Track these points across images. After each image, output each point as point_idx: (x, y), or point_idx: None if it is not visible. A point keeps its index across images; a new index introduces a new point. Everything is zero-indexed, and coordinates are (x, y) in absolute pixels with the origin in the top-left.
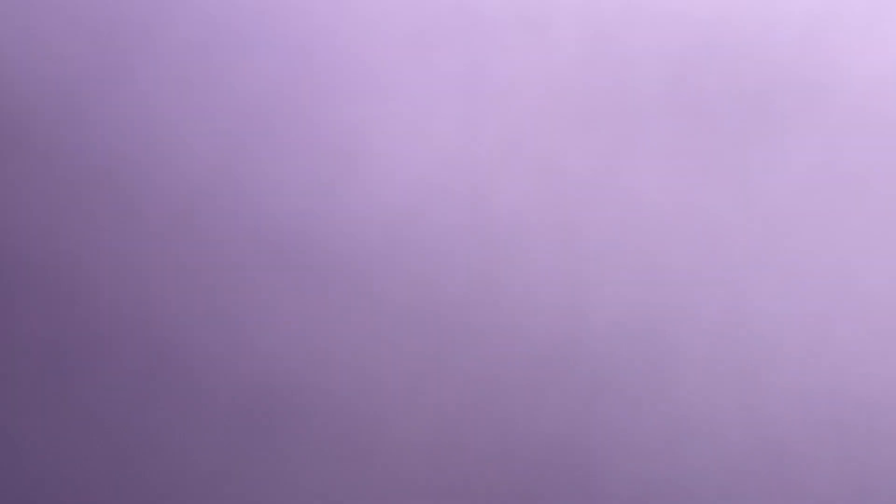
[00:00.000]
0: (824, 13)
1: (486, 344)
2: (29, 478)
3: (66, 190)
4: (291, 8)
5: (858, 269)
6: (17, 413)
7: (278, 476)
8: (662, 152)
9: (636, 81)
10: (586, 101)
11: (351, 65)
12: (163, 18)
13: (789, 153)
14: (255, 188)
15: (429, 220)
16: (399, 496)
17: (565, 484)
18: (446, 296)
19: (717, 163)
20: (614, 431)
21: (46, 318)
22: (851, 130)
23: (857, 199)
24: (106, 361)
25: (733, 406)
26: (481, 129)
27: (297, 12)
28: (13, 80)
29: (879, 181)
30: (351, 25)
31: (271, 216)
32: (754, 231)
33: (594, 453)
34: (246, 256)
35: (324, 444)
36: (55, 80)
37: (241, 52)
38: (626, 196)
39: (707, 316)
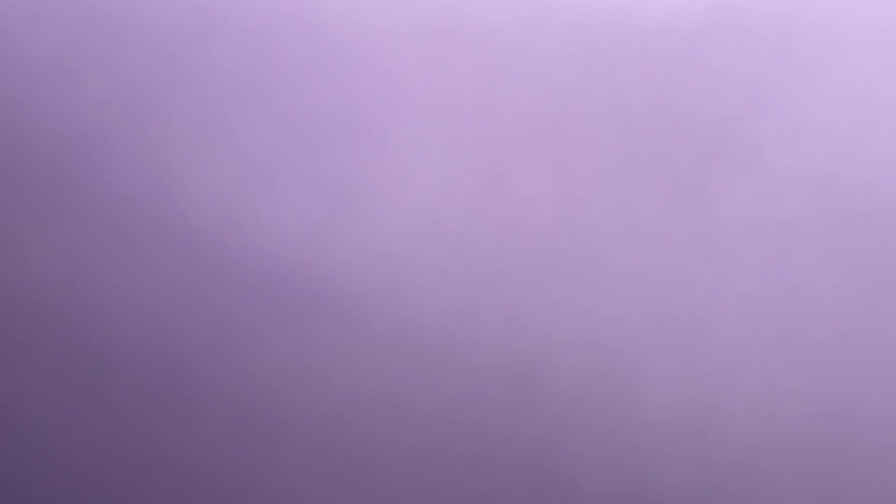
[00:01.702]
0: (772, 63)
1: (472, 366)
2: (27, 492)
3: (79, 225)
4: (291, 60)
5: (814, 296)
6: (15, 427)
7: (270, 494)
8: (627, 191)
9: (601, 128)
10: (558, 146)
11: (342, 117)
12: (170, 73)
13: (744, 191)
14: (256, 227)
15: (417, 255)
16: None
17: (547, 497)
18: (433, 324)
19: (677, 201)
20: (593, 447)
21: (53, 345)
22: (799, 172)
23: (808, 228)
24: (108, 386)
25: (705, 422)
26: (463, 176)
27: (297, 63)
28: (42, 124)
29: (825, 218)
30: (346, 72)
31: (271, 252)
32: (714, 258)
33: (580, 470)
34: (246, 288)
35: (315, 461)
36: (83, 128)
37: (241, 106)
38: (594, 232)
39: (677, 338)
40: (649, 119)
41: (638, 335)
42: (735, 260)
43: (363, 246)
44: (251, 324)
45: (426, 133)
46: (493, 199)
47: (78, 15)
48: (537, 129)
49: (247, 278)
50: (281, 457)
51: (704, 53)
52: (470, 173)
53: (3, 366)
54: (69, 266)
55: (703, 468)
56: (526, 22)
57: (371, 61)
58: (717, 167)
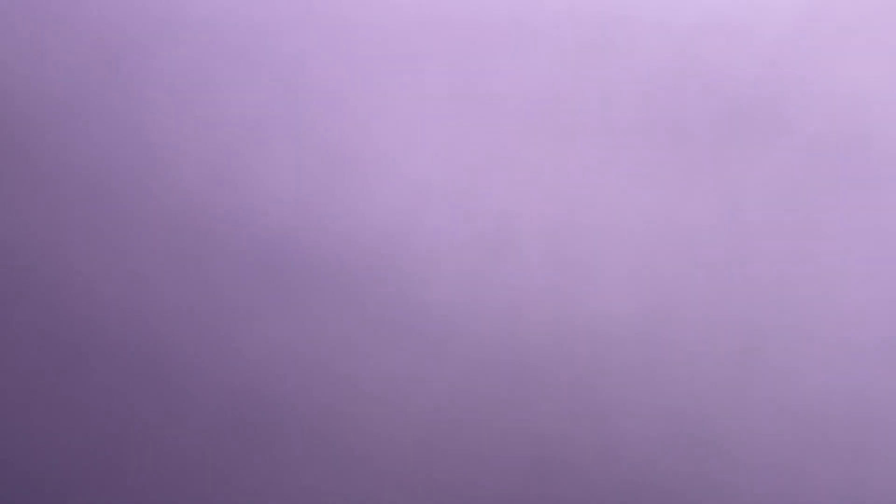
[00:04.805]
0: (795, 30)
1: (474, 347)
2: (16, 478)
3: (61, 197)
4: (286, 22)
5: (834, 273)
6: (5, 417)
7: (265, 479)
8: (643, 163)
9: (617, 96)
10: (570, 114)
11: (343, 76)
12: (160, 30)
13: (764, 162)
14: (248, 196)
15: (417, 229)
16: (385, 499)
17: (553, 486)
18: (434, 301)
19: (695, 172)
20: (601, 434)
21: (38, 324)
22: (821, 142)
23: (829, 206)
24: (96, 366)
25: (719, 407)
26: (469, 140)
27: (292, 26)
28: (16, 93)
29: (847, 190)
30: (344, 39)
31: (263, 223)
32: (733, 236)
33: (581, 455)
34: (238, 262)
35: (311, 447)
36: (55, 92)
37: (235, 65)
38: (609, 203)
39: (691, 318)
40: (668, 85)
41: (653, 321)
42: (759, 236)
43: (360, 218)
44: (239, 301)
45: (426, 96)
46: (500, 165)
47: None
48: (546, 94)
49: (234, 252)
50: (272, 443)
51: (726, 17)
52: (476, 135)
53: None
54: (47, 242)
55: (716, 461)
56: None
57: (369, 21)
58: (739, 134)
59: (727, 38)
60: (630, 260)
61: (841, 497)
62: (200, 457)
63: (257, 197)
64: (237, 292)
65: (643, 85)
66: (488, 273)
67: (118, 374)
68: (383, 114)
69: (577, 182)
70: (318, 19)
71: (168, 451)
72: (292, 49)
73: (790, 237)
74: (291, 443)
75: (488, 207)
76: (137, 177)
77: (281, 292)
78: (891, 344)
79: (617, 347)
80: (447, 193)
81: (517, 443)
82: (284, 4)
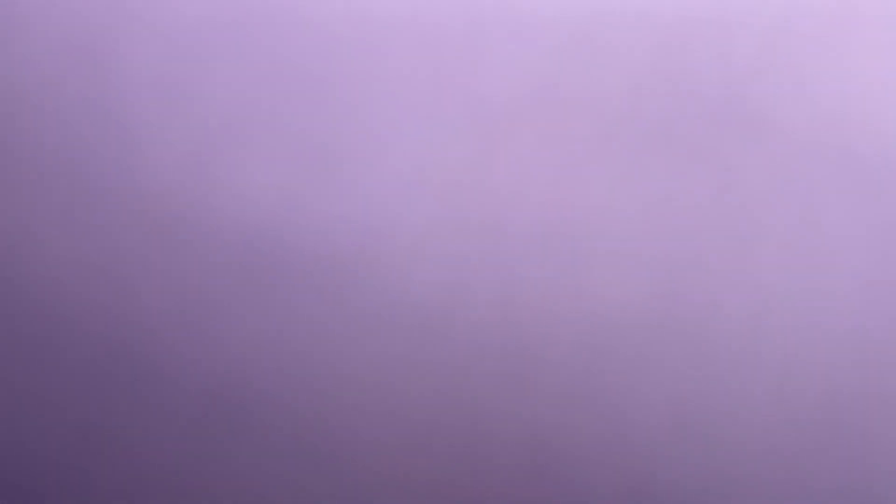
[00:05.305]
0: (782, 24)
1: (462, 341)
2: None
3: (42, 192)
4: (269, 15)
5: (827, 265)
6: None
7: (249, 472)
8: (631, 157)
9: (604, 89)
10: (556, 109)
11: (327, 69)
12: (141, 24)
13: (753, 155)
14: (231, 190)
15: (403, 223)
16: (373, 497)
17: (542, 484)
18: (421, 295)
19: (684, 166)
20: (592, 430)
21: (18, 317)
22: (809, 135)
23: (819, 198)
24: (77, 359)
25: (716, 402)
26: (455, 133)
27: (275, 19)
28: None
29: (836, 183)
30: (328, 32)
31: (247, 217)
32: (722, 229)
33: (575, 445)
34: (222, 256)
35: (296, 440)
36: (35, 88)
37: (218, 59)
38: (597, 197)
39: (683, 310)
40: (656, 79)
41: (644, 312)
42: (749, 233)
43: (341, 212)
44: (218, 297)
45: (409, 88)
46: (486, 159)
47: None
48: (532, 90)
49: (213, 247)
50: (257, 437)
51: (714, 12)
52: (463, 129)
53: None
54: (27, 237)
55: (712, 447)
56: None
57: (355, 14)
58: (727, 131)
59: (715, 33)
60: (619, 253)
61: (844, 486)
62: (182, 451)
63: (241, 191)
64: (222, 286)
65: (632, 79)
66: (476, 268)
67: (100, 367)
68: (368, 107)
69: (565, 176)
70: (302, 12)
71: (149, 444)
72: (276, 42)
73: (780, 230)
74: (276, 437)
75: (475, 202)
76: (118, 171)
77: (265, 286)
78: (888, 335)
79: (607, 339)
80: (433, 187)
81: (508, 435)
82: None
